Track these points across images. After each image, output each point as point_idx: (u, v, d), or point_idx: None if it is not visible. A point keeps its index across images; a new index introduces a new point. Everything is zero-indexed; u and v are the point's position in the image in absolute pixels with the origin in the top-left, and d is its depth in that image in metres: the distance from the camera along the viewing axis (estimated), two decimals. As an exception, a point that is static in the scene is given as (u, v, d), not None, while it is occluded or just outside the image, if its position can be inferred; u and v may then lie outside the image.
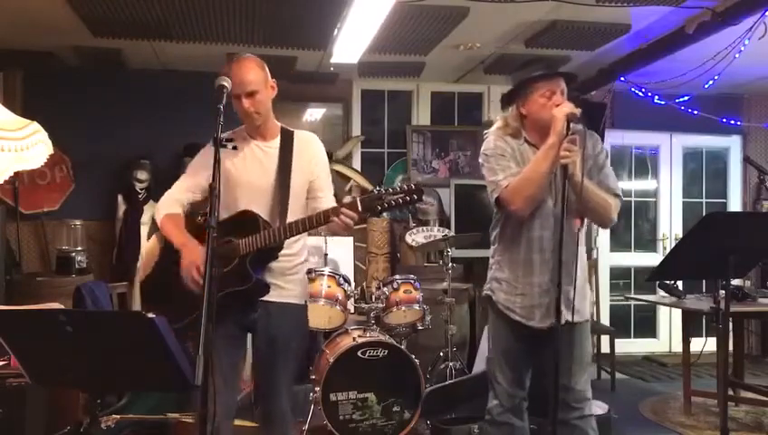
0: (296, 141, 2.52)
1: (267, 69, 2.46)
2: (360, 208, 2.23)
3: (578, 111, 2.36)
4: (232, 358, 2.47)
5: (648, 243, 6.54)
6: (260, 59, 2.47)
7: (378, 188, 2.26)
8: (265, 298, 2.41)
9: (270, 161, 2.46)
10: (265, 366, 2.51)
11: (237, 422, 3.40)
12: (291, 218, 2.38)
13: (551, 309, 2.40)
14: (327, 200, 2.50)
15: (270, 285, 2.39)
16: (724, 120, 5.84)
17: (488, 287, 2.66)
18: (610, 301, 6.36)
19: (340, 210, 2.23)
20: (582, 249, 2.58)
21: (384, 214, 2.28)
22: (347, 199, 2.27)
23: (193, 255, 2.33)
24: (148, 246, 2.66)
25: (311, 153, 2.53)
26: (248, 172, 2.45)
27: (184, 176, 2.58)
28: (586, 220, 2.62)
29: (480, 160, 2.62)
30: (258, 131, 2.48)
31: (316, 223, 2.28)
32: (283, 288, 2.46)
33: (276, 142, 2.50)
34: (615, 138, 6.18)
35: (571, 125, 2.34)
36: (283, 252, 2.40)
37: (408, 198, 2.21)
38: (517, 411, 2.62)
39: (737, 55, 4.35)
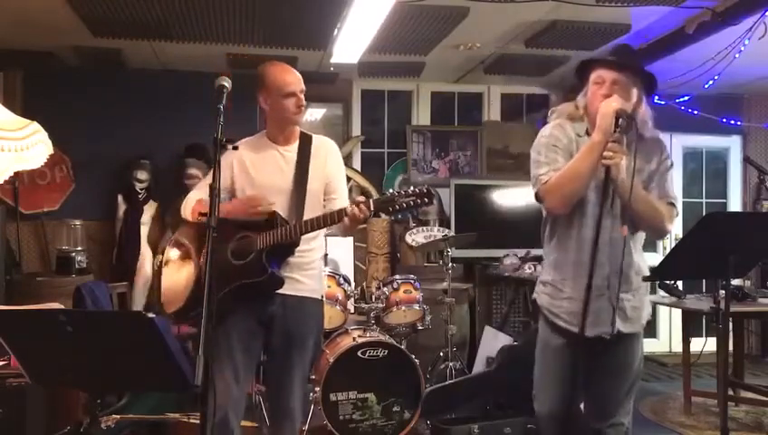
0: (314, 146, 2.63)
1: None
2: (372, 208, 2.31)
3: (629, 108, 2.20)
4: (247, 354, 2.50)
5: (648, 243, 6.50)
6: None
7: (391, 191, 2.32)
8: (282, 291, 2.47)
9: (289, 165, 2.58)
10: (280, 361, 2.55)
11: (244, 423, 3.42)
12: (306, 217, 2.47)
13: (601, 316, 2.24)
14: (341, 202, 2.59)
15: (285, 279, 2.45)
16: (724, 120, 5.84)
17: (536, 290, 2.50)
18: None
19: (353, 209, 2.30)
20: (639, 256, 2.41)
21: (397, 216, 2.36)
22: (360, 199, 2.34)
23: (241, 199, 2.51)
24: (169, 278, 2.64)
25: (327, 157, 2.64)
26: (268, 175, 2.56)
27: (207, 177, 2.65)
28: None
29: (532, 149, 2.42)
30: (284, 135, 2.60)
31: (330, 221, 2.37)
32: (300, 282, 2.53)
33: (295, 147, 2.61)
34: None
35: (620, 121, 2.16)
36: (300, 248, 2.47)
37: (419, 201, 2.28)
38: (561, 421, 2.37)
39: (737, 55, 4.35)
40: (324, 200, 2.63)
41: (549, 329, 2.42)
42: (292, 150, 2.60)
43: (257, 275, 2.38)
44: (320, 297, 2.66)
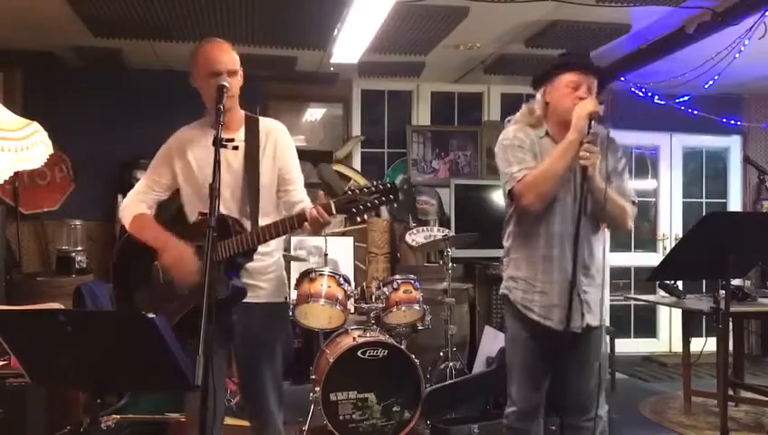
0: (262, 130, 2.38)
1: None
2: (333, 211, 2.13)
3: (602, 111, 2.29)
4: (217, 359, 2.34)
5: (647, 243, 6.54)
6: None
7: (351, 189, 2.14)
8: (248, 299, 2.31)
9: (235, 157, 2.29)
10: (249, 367, 2.43)
11: (236, 422, 3.41)
12: (262, 216, 2.30)
13: (572, 310, 2.31)
14: (298, 193, 2.39)
15: (246, 289, 2.28)
16: (724, 120, 5.84)
17: (505, 286, 2.56)
18: (610, 301, 6.34)
19: (313, 214, 2.12)
20: (600, 250, 2.50)
21: (362, 215, 2.18)
22: (321, 201, 2.18)
23: (179, 249, 2.22)
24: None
25: (277, 142, 2.39)
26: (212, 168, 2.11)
27: (145, 175, 2.48)
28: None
29: (496, 150, 2.51)
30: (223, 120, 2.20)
31: (290, 227, 2.17)
32: (261, 288, 2.37)
33: (241, 134, 2.35)
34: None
35: (593, 124, 2.26)
36: (258, 251, 2.29)
37: (383, 198, 2.11)
38: (534, 416, 2.53)
39: (737, 55, 4.35)
40: (280, 192, 2.39)
41: (520, 323, 2.51)
42: (238, 138, 2.26)
43: (219, 292, 2.09)
44: (283, 299, 2.49)
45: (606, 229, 2.53)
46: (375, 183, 2.15)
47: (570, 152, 2.28)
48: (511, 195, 2.42)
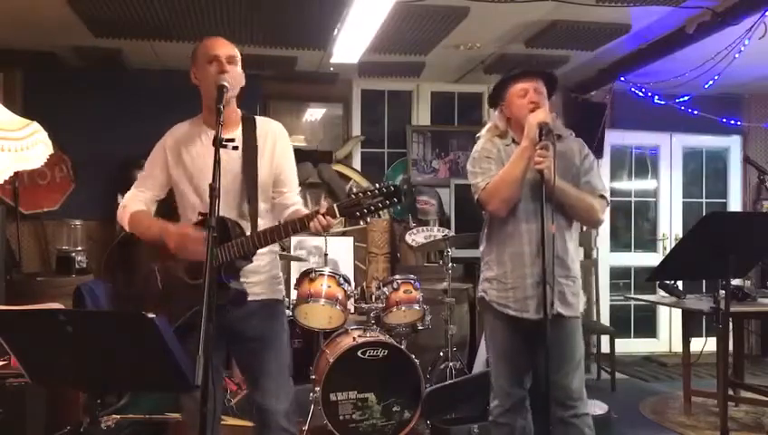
0: (260, 130, 2.37)
1: None
2: (338, 215, 2.12)
3: (551, 120, 2.46)
4: (214, 360, 2.38)
5: (647, 243, 6.54)
6: None
7: (355, 193, 2.14)
8: None
9: (232, 156, 2.22)
10: (251, 368, 2.42)
11: (236, 422, 3.42)
12: (259, 217, 2.30)
13: (546, 299, 2.42)
14: (291, 196, 2.38)
15: (247, 292, 2.29)
16: (724, 120, 5.84)
17: (481, 289, 2.71)
18: (610, 301, 6.36)
19: (317, 217, 2.11)
20: (573, 246, 2.64)
21: (366, 218, 2.16)
22: (324, 204, 2.16)
23: (179, 230, 2.23)
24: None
25: (276, 144, 2.38)
26: (209, 169, 2.00)
27: (140, 175, 2.49)
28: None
29: (467, 164, 2.72)
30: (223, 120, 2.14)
31: (293, 231, 2.16)
32: (255, 284, 2.36)
33: (238, 133, 2.33)
34: (615, 138, 6.18)
35: (543, 131, 2.42)
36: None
37: (387, 202, 2.10)
38: (518, 411, 2.62)
39: (737, 55, 4.34)
40: (273, 193, 2.37)
41: (498, 321, 2.63)
42: (234, 137, 2.20)
43: (218, 296, 2.01)
44: (280, 298, 2.46)
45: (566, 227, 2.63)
46: (378, 186, 2.13)
47: (524, 157, 2.45)
48: (480, 204, 2.61)
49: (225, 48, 2.29)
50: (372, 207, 2.11)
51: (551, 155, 2.41)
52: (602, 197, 2.61)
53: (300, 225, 2.14)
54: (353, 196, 2.13)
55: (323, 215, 2.10)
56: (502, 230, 2.60)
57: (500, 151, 2.63)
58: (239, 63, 2.32)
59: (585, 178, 2.62)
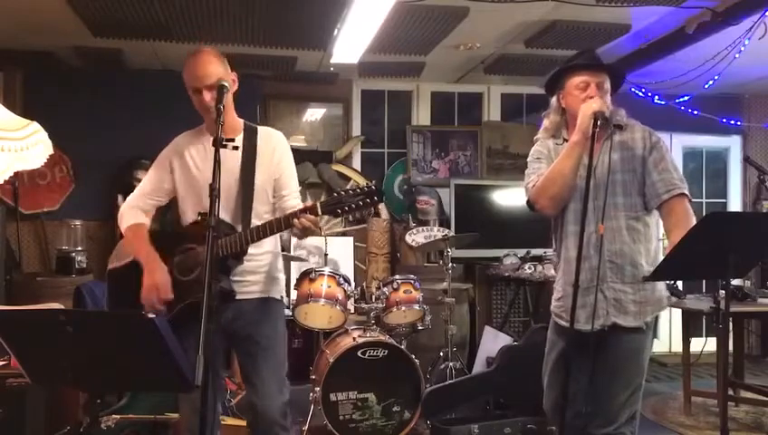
0: (260, 138, 2.45)
1: (227, 62, 2.39)
2: (319, 212, 2.17)
3: (608, 110, 2.26)
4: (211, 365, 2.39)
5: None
6: (218, 51, 2.40)
7: (337, 191, 2.19)
8: (238, 296, 2.35)
9: (232, 160, 2.34)
10: (246, 366, 2.46)
11: (236, 422, 3.41)
12: (255, 220, 2.35)
13: (598, 310, 2.26)
14: (292, 199, 2.44)
15: (236, 283, 2.34)
16: (724, 120, 5.84)
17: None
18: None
19: (300, 215, 2.17)
20: (634, 248, 2.35)
21: (347, 217, 2.19)
22: (308, 203, 2.22)
23: (155, 276, 2.29)
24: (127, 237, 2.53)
25: (274, 150, 2.46)
26: (210, 172, 2.06)
27: (144, 180, 2.54)
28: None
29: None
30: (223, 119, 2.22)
31: (277, 228, 2.23)
32: (253, 283, 2.42)
33: (240, 138, 2.41)
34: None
35: (599, 123, 2.22)
36: (249, 252, 2.33)
37: (368, 201, 2.15)
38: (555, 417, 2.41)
39: (737, 55, 4.35)
40: (274, 198, 2.46)
41: (554, 331, 2.49)
42: (235, 138, 2.27)
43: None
44: (278, 297, 2.51)
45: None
46: (360, 185, 2.20)
47: (575, 152, 2.28)
48: (530, 205, 2.46)
49: (206, 77, 2.29)
50: (353, 205, 2.16)
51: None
52: (683, 195, 2.31)
53: (284, 223, 2.20)
54: (335, 194, 2.19)
55: (305, 212, 2.16)
56: (557, 234, 2.46)
57: (550, 151, 2.46)
58: (231, 76, 2.37)
59: (658, 176, 2.32)
